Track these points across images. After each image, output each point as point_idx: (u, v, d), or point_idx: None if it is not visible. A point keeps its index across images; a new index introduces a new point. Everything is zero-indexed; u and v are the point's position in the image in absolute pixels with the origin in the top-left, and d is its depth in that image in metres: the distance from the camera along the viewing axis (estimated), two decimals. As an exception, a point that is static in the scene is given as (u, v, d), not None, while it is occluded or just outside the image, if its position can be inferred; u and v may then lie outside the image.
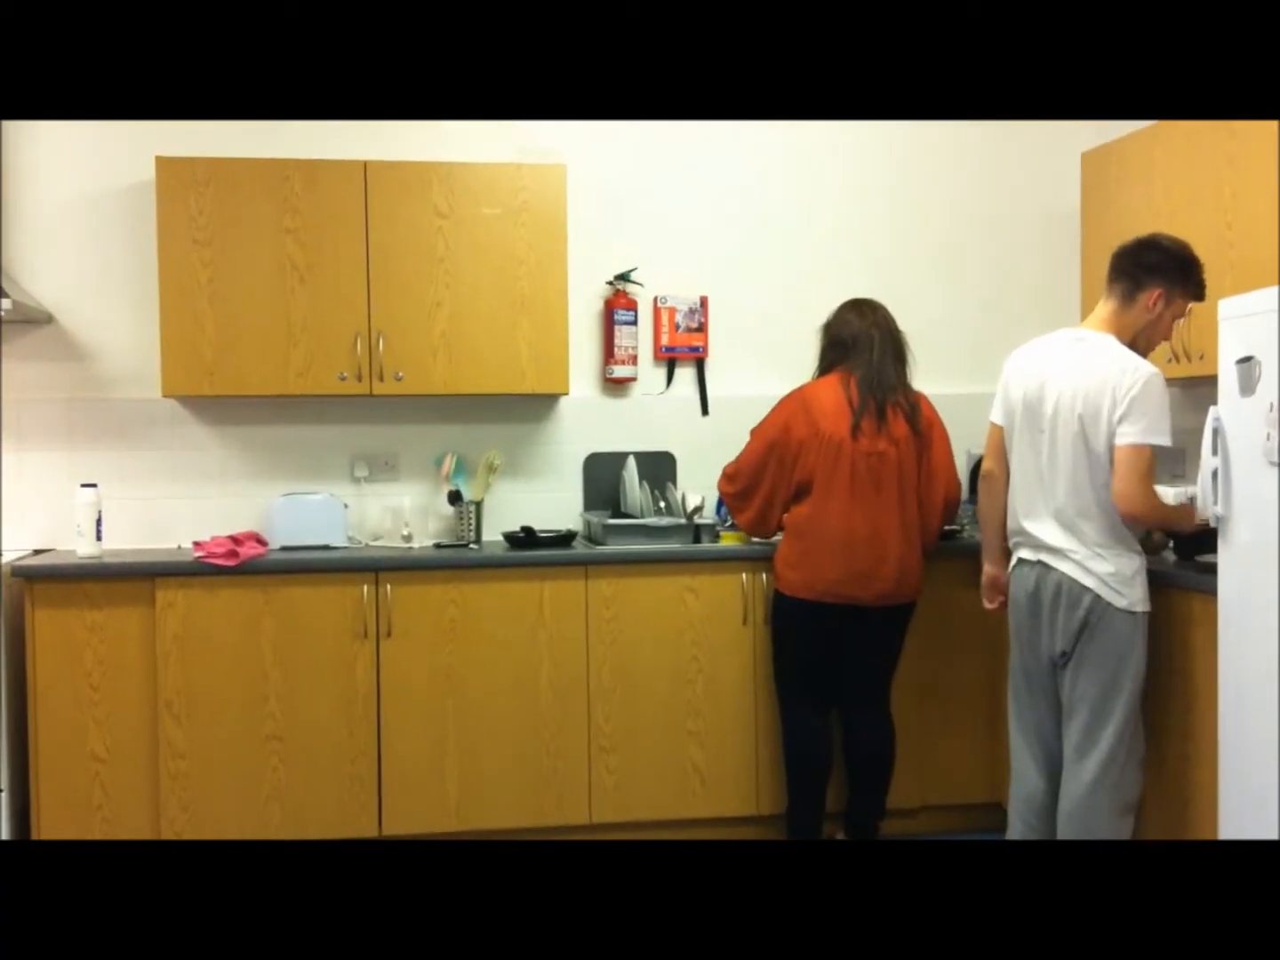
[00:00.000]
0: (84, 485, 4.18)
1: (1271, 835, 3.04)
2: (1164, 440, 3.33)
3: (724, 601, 4.22)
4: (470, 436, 4.66)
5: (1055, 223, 4.93)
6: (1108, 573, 3.36)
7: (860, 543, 3.86)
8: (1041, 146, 4.94)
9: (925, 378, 4.09)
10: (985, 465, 3.74)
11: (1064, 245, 4.83)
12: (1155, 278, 3.44)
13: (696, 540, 4.34)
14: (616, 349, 4.69)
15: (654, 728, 4.21)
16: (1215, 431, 3.28)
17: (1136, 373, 3.33)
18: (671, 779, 4.22)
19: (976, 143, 4.94)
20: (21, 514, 4.41)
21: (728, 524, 4.43)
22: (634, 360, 4.72)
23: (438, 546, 4.40)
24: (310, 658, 4.05)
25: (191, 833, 4.00)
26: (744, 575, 4.21)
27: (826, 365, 4.05)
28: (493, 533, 4.54)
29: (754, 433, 4.07)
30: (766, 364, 4.75)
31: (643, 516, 4.39)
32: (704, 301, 4.81)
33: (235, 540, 4.15)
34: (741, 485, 4.06)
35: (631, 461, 4.57)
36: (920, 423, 3.94)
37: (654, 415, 4.80)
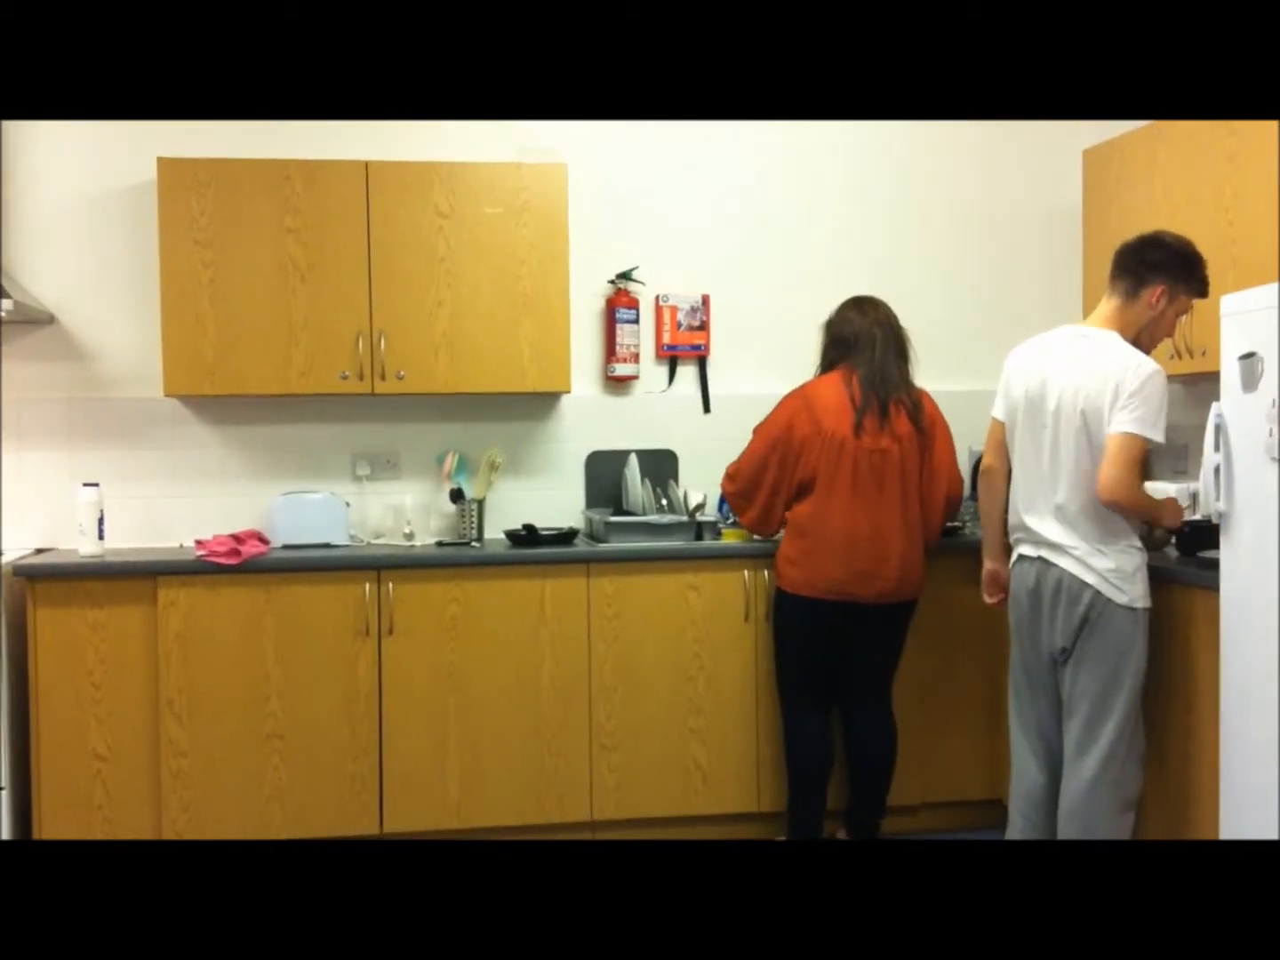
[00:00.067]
0: (85, 484, 4.18)
1: (1272, 835, 3.04)
2: (1157, 436, 3.33)
3: (726, 599, 4.22)
4: (472, 435, 4.66)
5: (1056, 221, 4.93)
6: (1108, 569, 3.36)
7: (863, 541, 3.86)
8: (1042, 146, 4.94)
9: (926, 375, 4.09)
10: (985, 461, 3.75)
11: (1065, 244, 4.83)
12: (1158, 275, 3.44)
13: (698, 538, 4.34)
14: (618, 347, 4.69)
15: (655, 725, 4.21)
16: (1217, 427, 3.29)
17: (1139, 368, 3.33)
18: (673, 777, 4.22)
19: (976, 143, 4.94)
20: (22, 514, 4.41)
21: (729, 521, 4.43)
22: (636, 359, 4.73)
23: (439, 545, 4.40)
24: (312, 656, 4.06)
25: (193, 832, 4.00)
26: (745, 573, 4.22)
27: (828, 363, 4.05)
28: (494, 531, 4.54)
29: (756, 431, 4.07)
30: (768, 362, 4.75)
31: (644, 514, 4.39)
32: (705, 300, 4.81)
33: (237, 539, 4.15)
34: (743, 484, 4.06)
35: (633, 459, 4.58)
36: (923, 420, 3.93)
37: (656, 413, 4.80)
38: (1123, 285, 3.49)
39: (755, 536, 4.21)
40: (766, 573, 4.19)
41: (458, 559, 4.19)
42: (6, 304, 3.96)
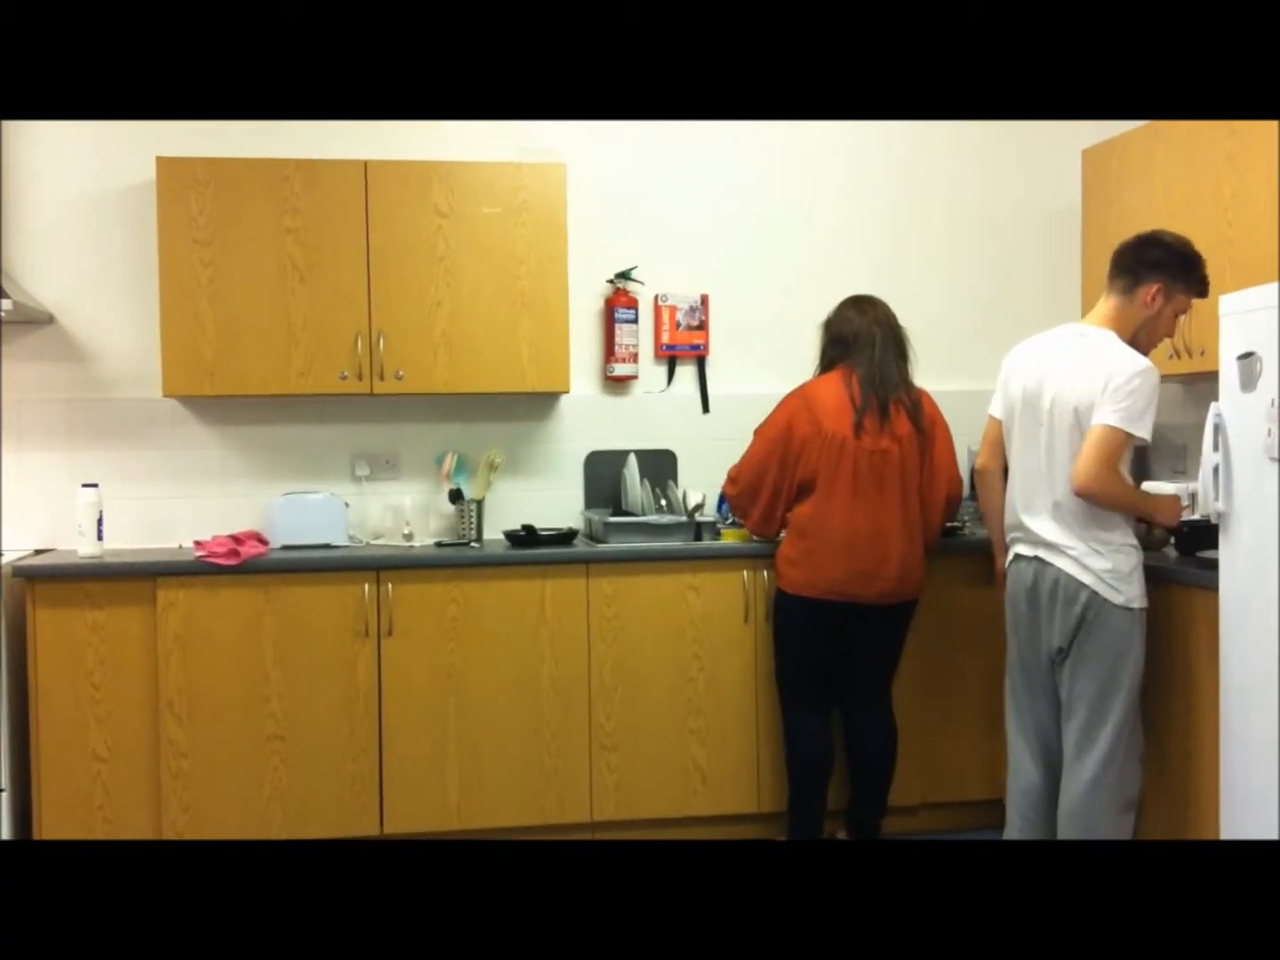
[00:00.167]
0: (85, 485, 4.18)
1: (1272, 835, 3.04)
2: (1141, 432, 3.31)
3: (725, 599, 4.22)
4: (471, 435, 4.66)
5: (1055, 221, 4.93)
6: (1104, 569, 3.36)
7: (863, 541, 3.85)
8: (1041, 146, 4.94)
9: (926, 375, 4.09)
10: (979, 462, 3.75)
11: (1065, 243, 4.83)
12: (1154, 273, 3.44)
13: (698, 538, 4.34)
14: (617, 347, 4.69)
15: (655, 726, 4.21)
16: (1216, 427, 3.29)
17: (1129, 365, 3.33)
18: (673, 777, 4.22)
19: (976, 142, 4.94)
20: (22, 514, 4.41)
21: (729, 521, 4.43)
22: (635, 358, 4.72)
23: (439, 545, 4.40)
24: (311, 657, 4.06)
25: (193, 832, 4.00)
26: (745, 573, 4.22)
27: (828, 363, 4.04)
28: (494, 531, 4.54)
29: (757, 433, 4.07)
30: (767, 362, 4.75)
31: (644, 514, 4.39)
32: (704, 300, 4.81)
33: (236, 539, 4.15)
34: (745, 486, 4.05)
35: (632, 459, 4.58)
36: (923, 420, 3.93)
37: (655, 413, 4.80)
38: (1119, 284, 3.50)
39: (754, 537, 4.20)
40: (766, 573, 4.18)
41: (457, 559, 4.19)
42: (6, 304, 3.96)
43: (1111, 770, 3.38)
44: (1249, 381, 3.17)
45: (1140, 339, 3.48)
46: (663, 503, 4.45)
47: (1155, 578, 3.51)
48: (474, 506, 4.48)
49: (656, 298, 4.78)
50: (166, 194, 4.19)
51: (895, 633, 4.03)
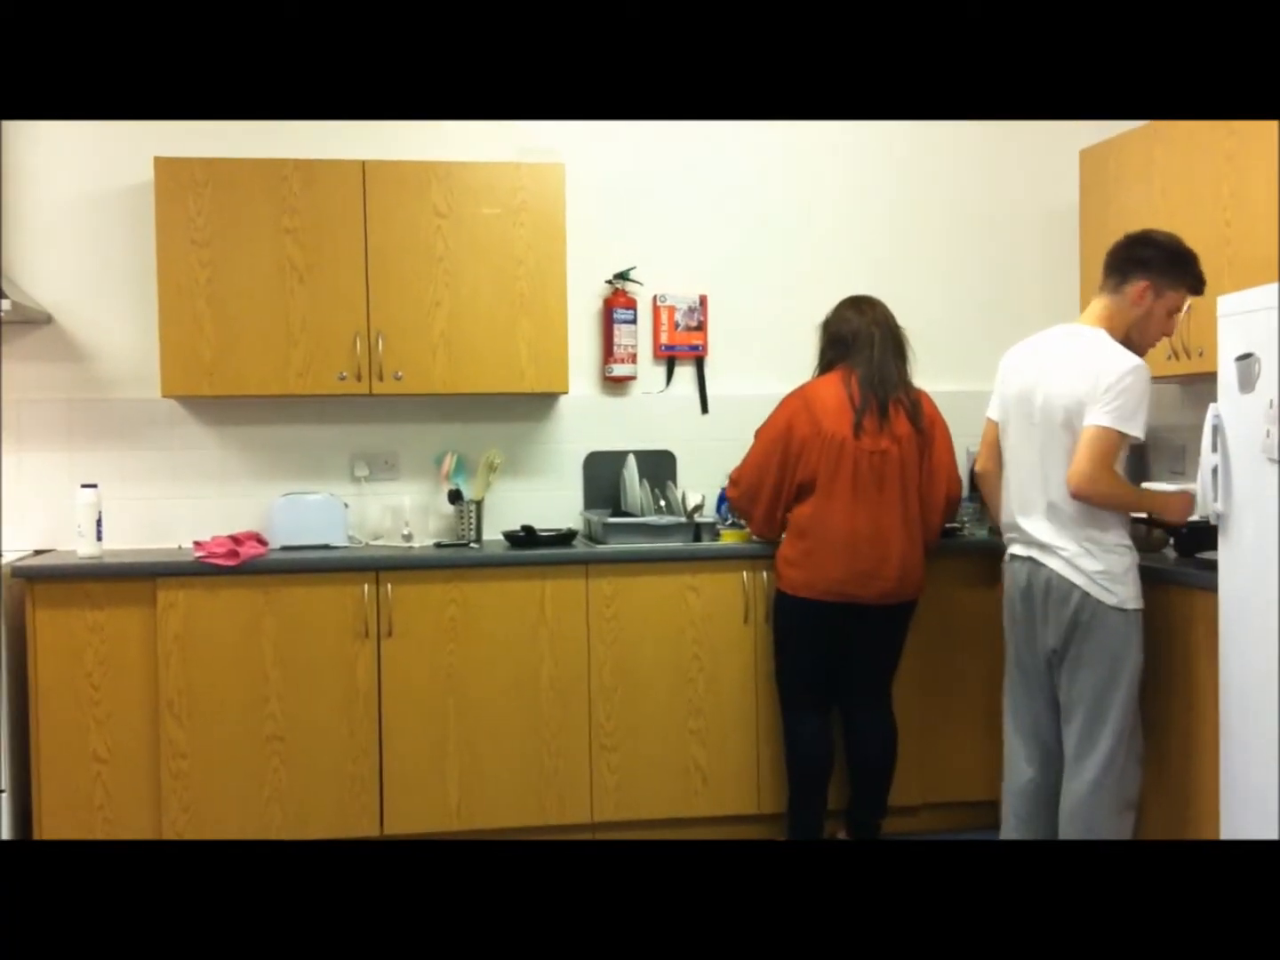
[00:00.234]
0: (84, 485, 4.18)
1: (1272, 835, 3.04)
2: (1134, 431, 3.31)
3: (725, 600, 4.22)
4: (470, 435, 4.66)
5: (1055, 221, 4.94)
6: (1096, 570, 3.35)
7: (863, 542, 3.85)
8: (1041, 146, 4.94)
9: (926, 375, 4.09)
10: (978, 465, 3.75)
11: (1065, 243, 4.83)
12: (1142, 271, 3.43)
13: (697, 539, 4.34)
14: (616, 348, 4.69)
15: (655, 726, 4.21)
16: (1215, 428, 3.29)
17: (1121, 364, 3.32)
18: (673, 778, 4.22)
19: (976, 143, 4.94)
20: (22, 514, 4.41)
21: (728, 522, 4.43)
22: (633, 359, 4.72)
23: (438, 546, 4.40)
24: (311, 657, 4.05)
25: (193, 833, 4.00)
26: (745, 573, 4.22)
27: (826, 363, 4.04)
28: (493, 532, 4.54)
29: (757, 434, 4.07)
30: (766, 363, 4.75)
31: (643, 515, 4.39)
32: (703, 300, 4.81)
33: (236, 540, 4.15)
34: (747, 488, 4.05)
35: (631, 460, 4.57)
36: (922, 420, 3.93)
37: (654, 414, 4.80)
38: (1110, 282, 3.50)
39: (757, 539, 4.20)
40: (765, 574, 4.18)
41: (456, 560, 4.19)
42: (5, 304, 3.96)
43: (1112, 772, 3.38)
44: (1248, 382, 3.17)
45: (1133, 338, 3.46)
46: (662, 503, 4.45)
47: (1155, 578, 3.51)
48: (473, 507, 4.48)
49: (655, 298, 4.78)
50: (165, 194, 4.19)
51: (895, 633, 4.03)
